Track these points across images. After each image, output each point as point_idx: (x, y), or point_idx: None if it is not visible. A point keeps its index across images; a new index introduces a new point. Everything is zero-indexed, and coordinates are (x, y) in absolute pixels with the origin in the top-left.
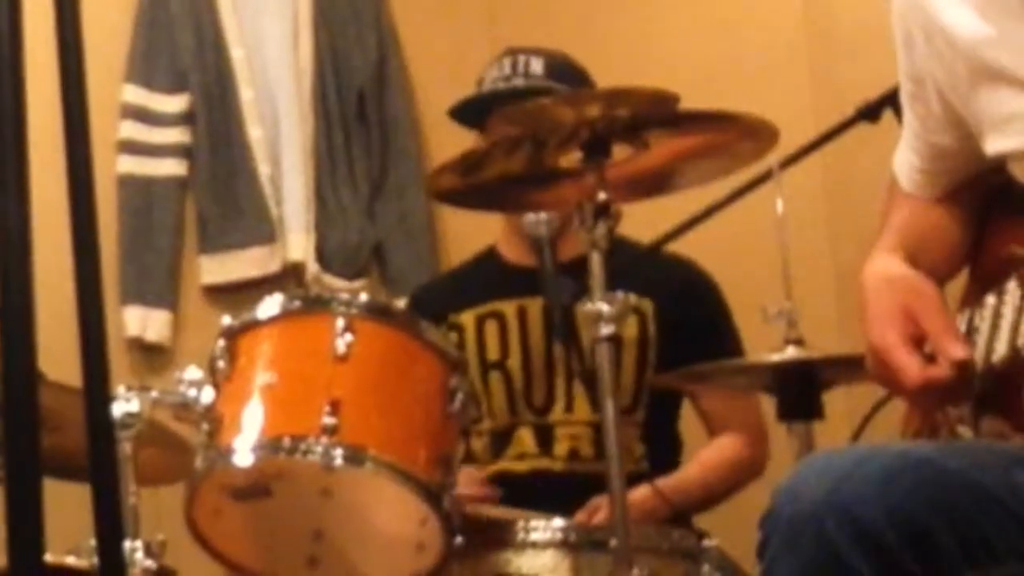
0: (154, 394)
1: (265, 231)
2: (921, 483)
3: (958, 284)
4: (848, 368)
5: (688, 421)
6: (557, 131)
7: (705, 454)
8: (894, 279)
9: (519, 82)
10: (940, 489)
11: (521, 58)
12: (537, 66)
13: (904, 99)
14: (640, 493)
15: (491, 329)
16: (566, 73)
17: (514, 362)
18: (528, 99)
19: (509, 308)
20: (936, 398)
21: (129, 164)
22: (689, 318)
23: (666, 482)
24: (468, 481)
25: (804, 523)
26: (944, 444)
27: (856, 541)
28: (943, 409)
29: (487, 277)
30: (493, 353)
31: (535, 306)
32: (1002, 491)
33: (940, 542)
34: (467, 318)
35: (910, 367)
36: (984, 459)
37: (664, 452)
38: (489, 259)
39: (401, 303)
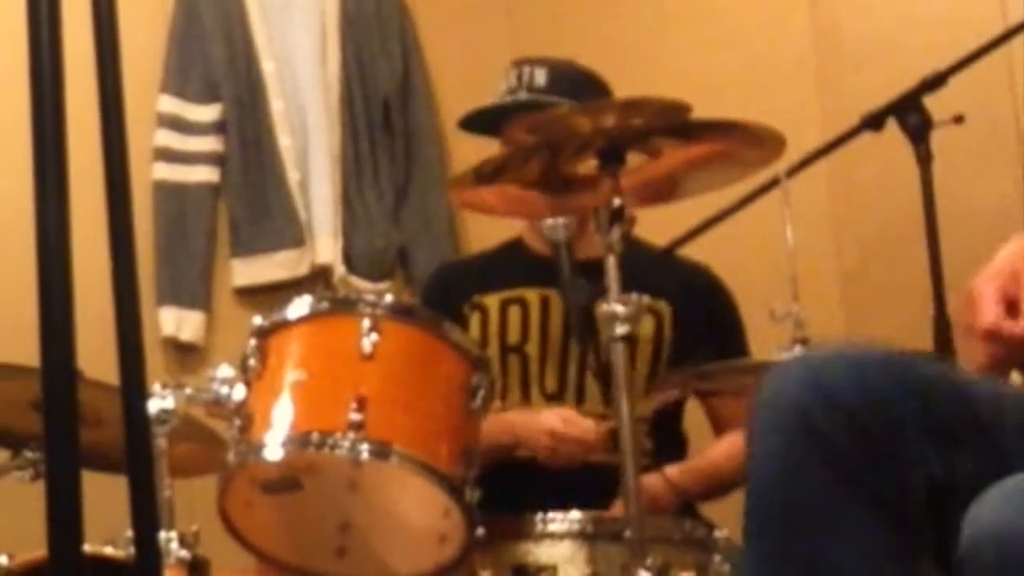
0: (188, 391)
1: (294, 235)
2: (898, 377)
3: None
4: None
5: (691, 421)
6: (574, 140)
7: (718, 447)
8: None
9: (522, 96)
10: (915, 383)
11: (526, 70)
12: (540, 78)
13: None
14: (651, 481)
15: (514, 314)
16: (569, 82)
17: (532, 348)
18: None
19: (533, 296)
20: (1001, 350)
21: (164, 171)
22: (705, 321)
23: (675, 469)
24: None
25: (787, 404)
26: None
27: (832, 419)
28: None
29: (513, 264)
30: (514, 337)
31: (557, 297)
32: (977, 396)
33: (909, 424)
34: (492, 300)
35: (988, 312)
36: (971, 377)
37: (671, 448)
38: (516, 248)
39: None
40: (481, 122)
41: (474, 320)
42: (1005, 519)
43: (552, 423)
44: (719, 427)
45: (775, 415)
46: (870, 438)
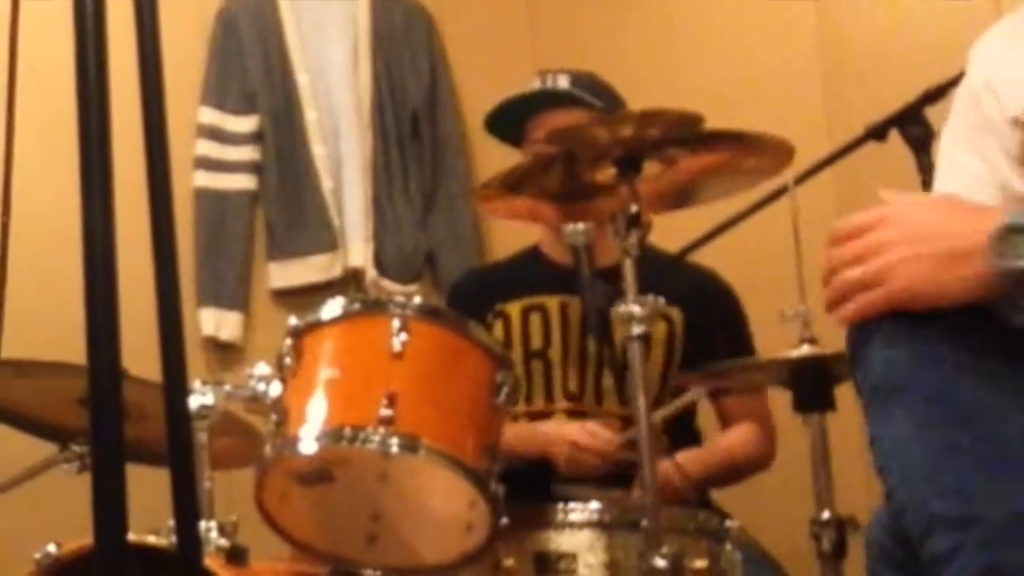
0: (227, 388)
1: (328, 240)
2: None
3: None
4: None
5: (705, 418)
6: (593, 149)
7: (727, 436)
8: None
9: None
10: None
11: (549, 76)
12: (563, 81)
13: (963, 145)
14: (663, 467)
15: (535, 320)
16: (589, 87)
17: (555, 352)
18: (552, 104)
19: (552, 303)
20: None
21: (204, 179)
22: (713, 323)
23: (686, 456)
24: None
25: None
26: None
27: None
28: None
29: (532, 273)
30: (536, 342)
31: (575, 303)
32: None
33: None
34: (513, 308)
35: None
36: None
37: (686, 444)
38: (533, 256)
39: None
40: (505, 125)
41: (497, 327)
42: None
43: (576, 435)
44: (726, 422)
45: None
46: None
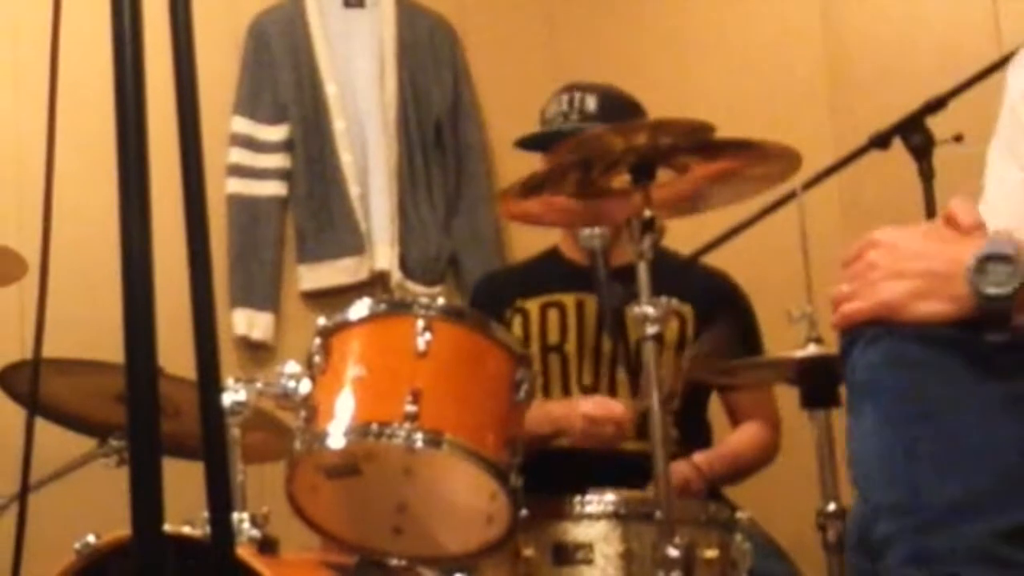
0: (259, 385)
1: (355, 244)
2: None
3: None
4: None
5: (715, 412)
6: (609, 157)
7: (738, 435)
8: None
9: (575, 118)
10: None
11: (577, 95)
12: (591, 103)
13: (1004, 157)
14: (682, 467)
15: (552, 316)
16: (617, 109)
17: (571, 347)
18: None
19: (569, 300)
20: None
21: (237, 185)
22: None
23: (703, 456)
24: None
25: None
26: None
27: None
28: None
29: (551, 272)
30: (553, 337)
31: (591, 301)
32: None
33: None
34: (532, 305)
35: None
36: None
37: (696, 436)
38: (553, 257)
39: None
40: (534, 142)
41: (516, 323)
42: None
43: (587, 407)
44: (735, 418)
45: None
46: None
